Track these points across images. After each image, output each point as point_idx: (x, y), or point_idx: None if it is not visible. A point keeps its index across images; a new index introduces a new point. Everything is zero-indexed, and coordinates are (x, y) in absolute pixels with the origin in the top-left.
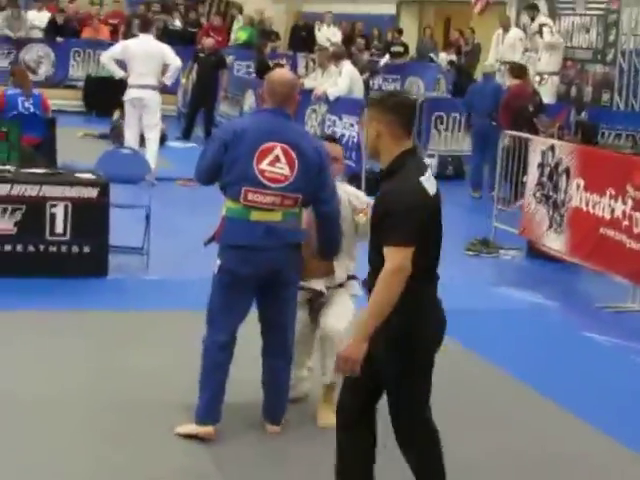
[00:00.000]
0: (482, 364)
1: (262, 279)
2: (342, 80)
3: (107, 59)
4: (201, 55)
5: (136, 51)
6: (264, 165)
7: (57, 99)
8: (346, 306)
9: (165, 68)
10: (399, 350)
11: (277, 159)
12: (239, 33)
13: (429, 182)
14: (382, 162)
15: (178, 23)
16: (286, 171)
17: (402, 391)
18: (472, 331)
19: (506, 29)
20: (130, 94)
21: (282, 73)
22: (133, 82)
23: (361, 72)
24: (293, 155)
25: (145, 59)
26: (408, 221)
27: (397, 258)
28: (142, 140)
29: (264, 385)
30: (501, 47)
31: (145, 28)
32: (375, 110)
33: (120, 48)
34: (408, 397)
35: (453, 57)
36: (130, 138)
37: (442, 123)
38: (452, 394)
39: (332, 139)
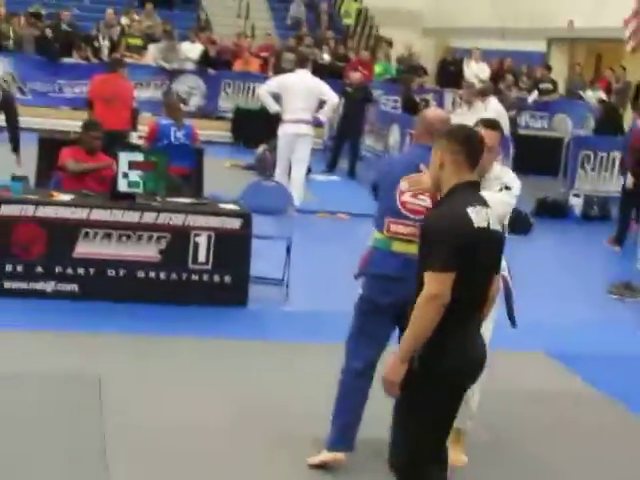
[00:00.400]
0: (615, 410)
1: (400, 309)
2: (488, 116)
3: (264, 93)
4: (348, 89)
5: (293, 86)
6: (406, 197)
7: (206, 130)
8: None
9: (319, 103)
10: (417, 384)
11: None
12: (376, 67)
13: (480, 214)
14: (442, 192)
15: (327, 57)
16: (427, 203)
17: (407, 430)
18: (608, 376)
19: None
20: (286, 129)
21: (437, 110)
22: (289, 117)
23: (508, 109)
24: None
25: (303, 94)
26: (445, 247)
27: (433, 284)
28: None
29: None
30: None
31: (302, 63)
32: (444, 140)
33: (277, 82)
34: (411, 439)
35: (602, 95)
36: (280, 172)
37: (589, 162)
38: (595, 445)
39: (490, 125)
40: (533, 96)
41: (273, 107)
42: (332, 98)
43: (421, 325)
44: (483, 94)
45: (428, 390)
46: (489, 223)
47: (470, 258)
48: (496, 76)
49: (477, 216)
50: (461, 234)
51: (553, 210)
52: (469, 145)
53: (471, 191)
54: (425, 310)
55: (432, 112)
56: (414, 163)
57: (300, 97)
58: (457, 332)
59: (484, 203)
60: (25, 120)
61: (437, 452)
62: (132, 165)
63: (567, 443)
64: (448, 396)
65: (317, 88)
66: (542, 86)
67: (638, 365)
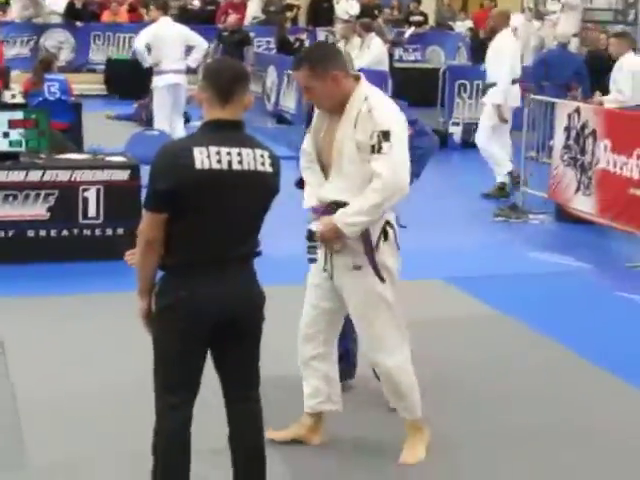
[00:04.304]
0: (517, 327)
1: None
2: (372, 53)
3: (141, 47)
4: (224, 34)
5: (165, 36)
6: None
7: (79, 84)
8: (378, 315)
9: (188, 50)
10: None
11: None
12: None
13: (213, 155)
14: None
15: (197, 2)
16: None
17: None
18: (504, 295)
19: None
20: (166, 79)
21: None
22: (167, 67)
23: (384, 44)
24: None
25: (174, 43)
26: (150, 186)
27: (142, 221)
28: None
29: None
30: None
31: (164, 10)
32: (201, 76)
33: (147, 34)
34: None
35: (470, 24)
36: (163, 122)
37: (465, 91)
38: (488, 358)
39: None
40: (409, 31)
41: (147, 62)
42: (201, 44)
43: (136, 259)
44: (368, 29)
45: (158, 324)
46: (230, 164)
47: (194, 202)
48: (365, 12)
49: (206, 156)
50: (170, 176)
51: None
52: (214, 80)
53: (216, 130)
54: (137, 245)
55: None
56: None
57: (173, 46)
58: (186, 272)
59: (237, 144)
60: None
61: (169, 393)
62: (12, 124)
63: (485, 366)
64: (174, 334)
65: (184, 35)
66: (413, 19)
67: (520, 281)
